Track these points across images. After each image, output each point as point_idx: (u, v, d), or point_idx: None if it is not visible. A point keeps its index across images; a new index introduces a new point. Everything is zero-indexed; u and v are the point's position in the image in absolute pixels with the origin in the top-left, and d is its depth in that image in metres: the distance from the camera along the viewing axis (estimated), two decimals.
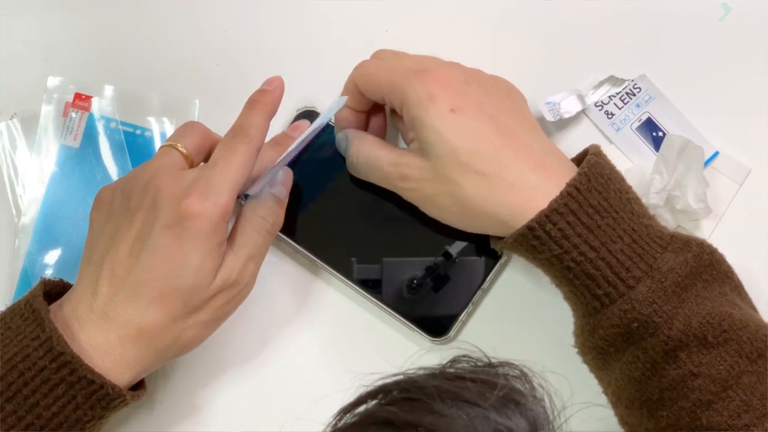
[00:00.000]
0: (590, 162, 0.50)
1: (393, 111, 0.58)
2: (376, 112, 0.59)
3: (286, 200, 0.55)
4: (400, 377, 0.36)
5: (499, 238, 0.53)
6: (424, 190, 0.52)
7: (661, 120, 0.63)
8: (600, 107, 0.63)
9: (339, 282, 0.59)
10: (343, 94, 0.58)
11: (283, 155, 0.55)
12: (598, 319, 0.49)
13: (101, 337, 0.49)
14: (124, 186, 0.52)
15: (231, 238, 0.52)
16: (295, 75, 0.63)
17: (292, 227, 0.59)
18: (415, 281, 0.59)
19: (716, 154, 0.62)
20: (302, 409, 0.58)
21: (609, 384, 0.52)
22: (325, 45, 0.64)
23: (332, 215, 0.59)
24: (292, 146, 0.55)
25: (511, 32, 0.65)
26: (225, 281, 0.50)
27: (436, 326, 0.58)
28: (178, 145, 0.54)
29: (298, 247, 0.59)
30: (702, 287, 0.49)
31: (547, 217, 0.48)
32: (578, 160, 0.54)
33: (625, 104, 0.63)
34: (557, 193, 0.49)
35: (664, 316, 0.48)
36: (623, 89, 0.63)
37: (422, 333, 0.58)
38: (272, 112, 0.55)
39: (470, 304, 0.59)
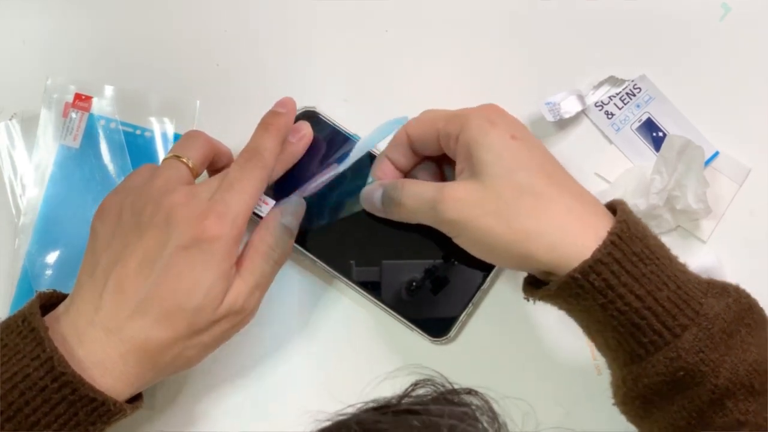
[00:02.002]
0: (625, 209, 0.50)
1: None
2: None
3: (296, 231, 0.55)
4: (347, 417, 0.36)
5: (532, 285, 0.52)
6: (470, 210, 0.50)
7: (661, 120, 0.63)
8: (600, 107, 0.63)
9: (339, 282, 0.59)
10: (390, 146, 0.57)
11: (320, 180, 0.57)
12: (643, 367, 0.48)
13: (102, 353, 0.48)
14: (134, 200, 0.51)
15: (239, 263, 0.52)
16: (294, 75, 0.64)
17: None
18: (414, 283, 0.59)
19: (716, 154, 0.62)
20: (300, 409, 0.59)
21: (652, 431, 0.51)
22: (325, 45, 0.64)
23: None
24: (330, 174, 0.57)
25: (511, 32, 0.65)
26: (231, 307, 0.50)
27: (437, 326, 0.58)
28: (184, 158, 0.54)
29: (299, 248, 0.59)
30: (746, 333, 0.48)
31: (591, 267, 0.47)
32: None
33: (625, 104, 0.63)
34: (596, 240, 0.48)
35: (711, 365, 0.47)
36: (623, 89, 0.63)
37: (423, 333, 0.58)
38: (285, 136, 0.56)
39: (470, 305, 0.59)
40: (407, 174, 0.58)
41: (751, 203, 0.61)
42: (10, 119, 0.61)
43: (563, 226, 0.49)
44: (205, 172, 0.57)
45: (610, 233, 0.48)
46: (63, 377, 0.46)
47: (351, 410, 0.37)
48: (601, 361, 0.59)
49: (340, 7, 0.65)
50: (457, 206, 0.50)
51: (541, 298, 0.51)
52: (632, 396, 0.49)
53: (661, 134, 0.63)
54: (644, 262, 0.48)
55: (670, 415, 0.48)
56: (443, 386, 0.39)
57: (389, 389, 0.38)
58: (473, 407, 0.37)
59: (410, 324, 0.58)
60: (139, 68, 0.63)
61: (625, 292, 0.47)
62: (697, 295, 0.48)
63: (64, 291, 0.52)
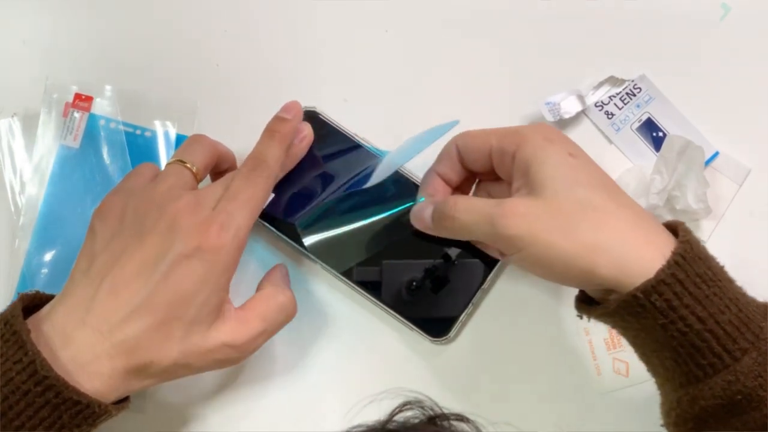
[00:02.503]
0: (686, 229, 0.49)
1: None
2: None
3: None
4: None
5: (585, 303, 0.51)
6: (532, 225, 0.49)
7: (661, 120, 0.63)
8: (600, 107, 0.63)
9: (339, 282, 0.59)
10: (439, 160, 0.56)
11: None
12: (700, 389, 0.47)
13: (90, 354, 0.48)
14: (137, 204, 0.51)
15: (253, 305, 0.52)
16: (294, 75, 0.64)
17: (293, 227, 0.59)
18: (414, 283, 0.59)
19: (716, 154, 0.62)
20: (301, 410, 0.59)
21: None
22: (325, 45, 0.64)
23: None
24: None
25: (511, 32, 0.65)
26: (231, 341, 0.51)
27: (437, 327, 0.58)
28: (188, 163, 0.54)
29: (299, 248, 0.59)
30: None
31: (653, 287, 0.46)
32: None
33: (625, 104, 0.63)
34: (659, 258, 0.47)
35: None
36: (623, 89, 0.63)
37: (423, 333, 0.58)
38: (290, 143, 0.56)
39: (470, 305, 0.59)
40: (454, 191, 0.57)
41: (751, 203, 0.61)
42: (11, 117, 0.61)
43: (627, 240, 0.48)
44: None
45: (674, 253, 0.47)
46: (46, 381, 0.46)
47: None
48: (601, 360, 0.59)
49: (340, 7, 0.64)
50: (520, 222, 0.49)
51: (598, 316, 0.50)
52: (686, 418, 0.48)
53: (661, 134, 0.63)
54: (707, 283, 0.47)
55: None
56: (432, 410, 0.39)
57: (376, 412, 0.38)
58: None
59: (410, 324, 0.58)
60: (140, 68, 0.63)
61: (687, 313, 0.46)
62: (757, 318, 0.47)
63: (59, 291, 0.52)
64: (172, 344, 0.49)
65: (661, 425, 0.50)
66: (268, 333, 0.53)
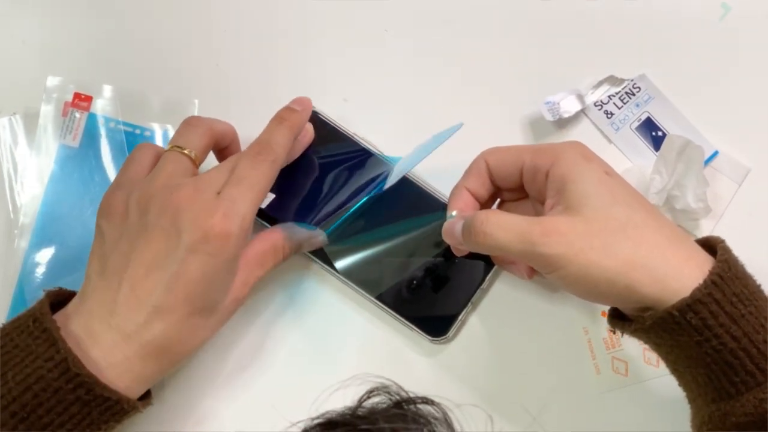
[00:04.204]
0: (726, 248, 0.49)
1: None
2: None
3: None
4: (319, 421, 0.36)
5: (619, 319, 0.51)
6: (573, 244, 0.48)
7: (660, 120, 0.63)
8: (599, 107, 0.63)
9: (339, 282, 0.59)
10: (468, 176, 0.56)
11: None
12: (732, 405, 0.47)
13: (120, 355, 0.48)
14: (139, 199, 0.51)
15: (250, 254, 0.53)
16: (294, 75, 0.64)
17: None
18: (414, 282, 0.59)
19: (716, 153, 0.62)
20: (296, 407, 0.59)
21: None
22: (325, 45, 0.64)
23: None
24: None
25: (511, 32, 0.65)
26: (239, 296, 0.52)
27: (436, 326, 0.58)
28: (186, 149, 0.53)
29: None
30: None
31: (689, 306, 0.47)
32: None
33: (625, 104, 0.63)
34: (698, 275, 0.47)
35: None
36: (623, 89, 0.63)
37: (422, 333, 0.58)
38: (298, 134, 0.55)
39: (469, 304, 0.59)
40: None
41: (750, 203, 0.61)
42: (13, 116, 0.61)
43: (668, 258, 0.48)
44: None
45: (711, 273, 0.47)
46: (77, 378, 0.46)
47: (295, 430, 0.37)
48: (600, 360, 0.59)
49: (340, 7, 0.65)
50: (560, 240, 0.48)
51: (633, 333, 0.50)
52: None
53: (660, 134, 0.62)
54: (743, 303, 0.47)
55: None
56: (398, 395, 0.39)
57: (341, 400, 0.38)
58: (431, 418, 0.37)
59: (409, 323, 0.58)
60: (139, 68, 0.63)
61: (722, 332, 0.47)
62: None
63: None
64: (197, 332, 0.50)
65: None
66: (252, 284, 0.54)
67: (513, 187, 0.56)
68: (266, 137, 0.53)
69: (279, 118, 0.54)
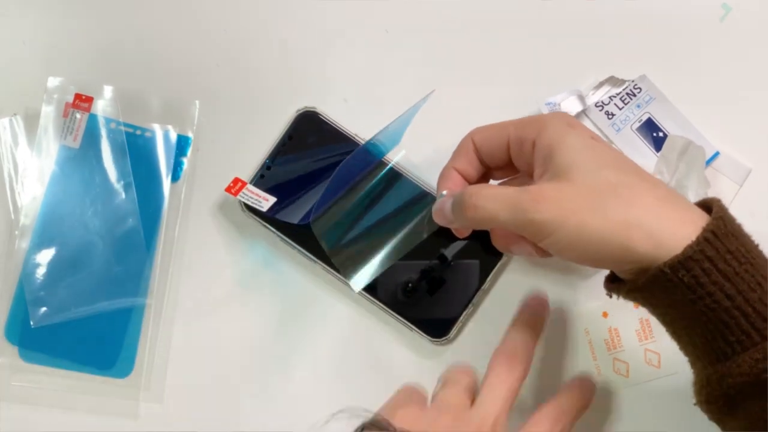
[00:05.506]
0: (722, 207, 0.48)
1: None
2: None
3: None
4: None
5: (615, 282, 0.51)
6: (564, 207, 0.48)
7: (661, 120, 0.63)
8: (600, 108, 0.63)
9: (340, 283, 0.59)
10: (456, 156, 0.56)
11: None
12: (728, 366, 0.47)
13: None
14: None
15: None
16: (294, 75, 0.64)
17: (294, 229, 0.59)
18: (410, 284, 0.59)
19: (717, 154, 0.62)
20: (296, 408, 0.59)
21: (731, 429, 0.50)
22: (325, 45, 0.64)
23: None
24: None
25: (512, 33, 0.65)
26: None
27: (437, 327, 0.58)
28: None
29: (299, 248, 0.59)
30: None
31: (680, 263, 0.46)
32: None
33: (626, 105, 0.63)
34: (693, 233, 0.46)
35: None
36: (623, 90, 0.63)
37: (423, 334, 0.58)
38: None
39: (470, 305, 0.59)
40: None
41: (751, 203, 0.61)
42: (13, 117, 0.61)
43: (661, 216, 0.47)
44: None
45: (705, 229, 0.46)
46: None
47: None
48: (601, 361, 0.59)
49: (340, 7, 0.64)
50: (550, 206, 0.48)
51: (628, 293, 0.49)
52: (716, 395, 0.48)
53: (661, 134, 0.62)
54: (738, 260, 0.46)
55: (752, 416, 0.47)
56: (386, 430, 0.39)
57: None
58: None
59: (410, 324, 0.58)
60: (139, 68, 0.63)
61: (715, 290, 0.46)
62: None
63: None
64: None
65: (694, 404, 0.49)
66: None
67: (502, 165, 0.55)
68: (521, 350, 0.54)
69: (530, 324, 0.55)
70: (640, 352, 0.59)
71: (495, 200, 0.50)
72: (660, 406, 0.58)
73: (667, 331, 0.50)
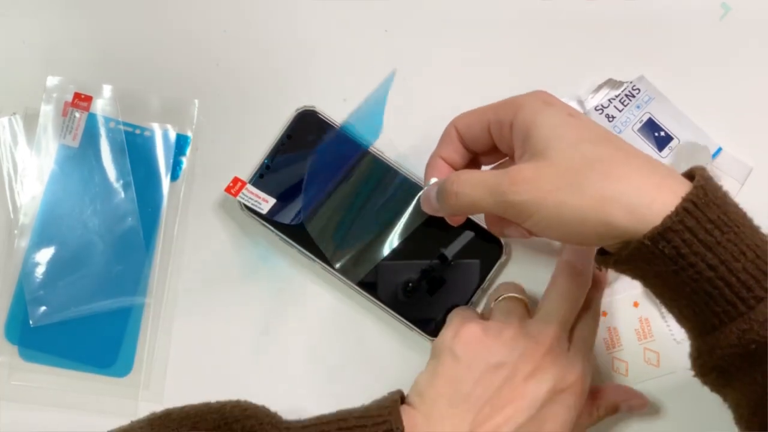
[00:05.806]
0: (705, 175, 0.48)
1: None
2: None
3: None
4: None
5: (605, 254, 0.51)
6: (541, 187, 0.48)
7: (662, 120, 0.63)
8: (600, 111, 0.63)
9: (340, 282, 0.59)
10: (440, 144, 0.56)
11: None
12: (716, 337, 0.46)
13: None
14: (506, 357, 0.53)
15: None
16: (294, 75, 0.64)
17: (293, 228, 0.59)
18: (410, 284, 0.59)
19: (720, 149, 0.62)
20: (295, 407, 0.59)
21: (731, 401, 0.50)
22: (325, 45, 0.64)
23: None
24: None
25: (510, 38, 0.65)
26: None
27: (437, 326, 0.58)
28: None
29: (300, 247, 0.59)
30: None
31: (660, 234, 0.45)
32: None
33: (625, 106, 0.63)
34: (673, 202, 0.46)
35: None
36: (622, 91, 0.63)
37: (422, 333, 0.58)
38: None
39: (470, 304, 0.58)
40: None
41: (752, 202, 0.60)
42: (13, 116, 0.61)
43: (640, 187, 0.46)
44: None
45: (684, 199, 0.46)
46: None
47: None
48: (601, 360, 0.59)
49: (339, 7, 0.65)
50: (528, 187, 0.48)
51: (615, 264, 0.49)
52: (708, 366, 0.48)
53: (663, 134, 0.62)
54: (720, 230, 0.45)
55: (745, 387, 0.47)
56: None
57: None
58: None
59: (409, 323, 0.58)
60: (139, 68, 0.63)
61: (697, 260, 0.45)
62: None
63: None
64: None
65: (693, 376, 0.49)
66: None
67: (487, 150, 0.55)
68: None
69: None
70: (639, 351, 0.59)
71: (475, 185, 0.50)
72: (659, 405, 0.58)
73: (661, 303, 0.50)
